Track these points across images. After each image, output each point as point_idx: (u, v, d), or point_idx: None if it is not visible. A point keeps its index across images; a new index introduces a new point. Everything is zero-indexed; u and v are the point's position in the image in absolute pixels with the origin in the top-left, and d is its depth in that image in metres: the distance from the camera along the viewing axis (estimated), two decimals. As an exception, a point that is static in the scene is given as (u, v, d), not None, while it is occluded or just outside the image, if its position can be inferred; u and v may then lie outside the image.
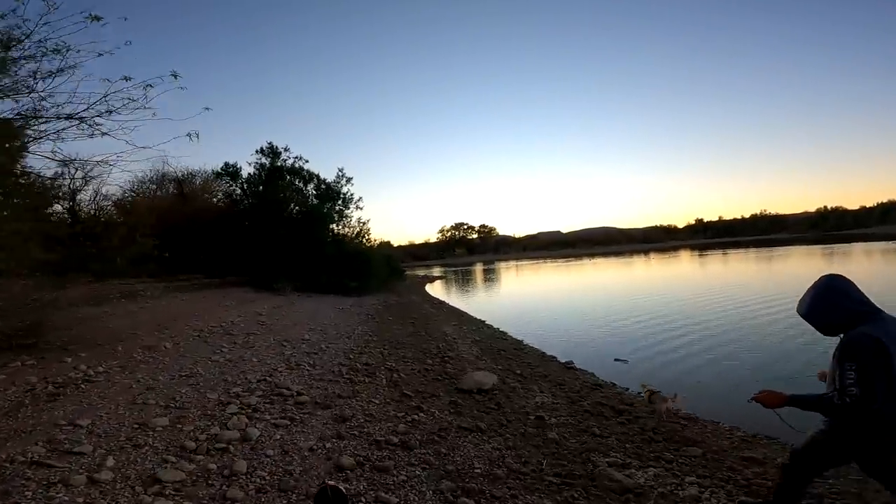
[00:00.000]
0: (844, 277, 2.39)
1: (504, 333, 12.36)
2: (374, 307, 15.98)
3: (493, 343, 10.50)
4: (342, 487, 2.55)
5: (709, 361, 8.38)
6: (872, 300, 2.36)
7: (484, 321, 14.67)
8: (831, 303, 2.33)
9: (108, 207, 22.33)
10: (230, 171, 25.17)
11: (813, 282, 2.47)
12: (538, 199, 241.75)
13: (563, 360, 9.00)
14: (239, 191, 24.37)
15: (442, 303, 20.17)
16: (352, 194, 25.23)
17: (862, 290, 2.39)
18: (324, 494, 2.36)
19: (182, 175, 25.14)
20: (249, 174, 24.44)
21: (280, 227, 19.94)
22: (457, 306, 19.08)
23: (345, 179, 25.40)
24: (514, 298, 23.57)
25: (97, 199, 21.53)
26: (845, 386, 2.17)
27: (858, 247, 42.86)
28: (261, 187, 23.30)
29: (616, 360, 9.19)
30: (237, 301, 13.88)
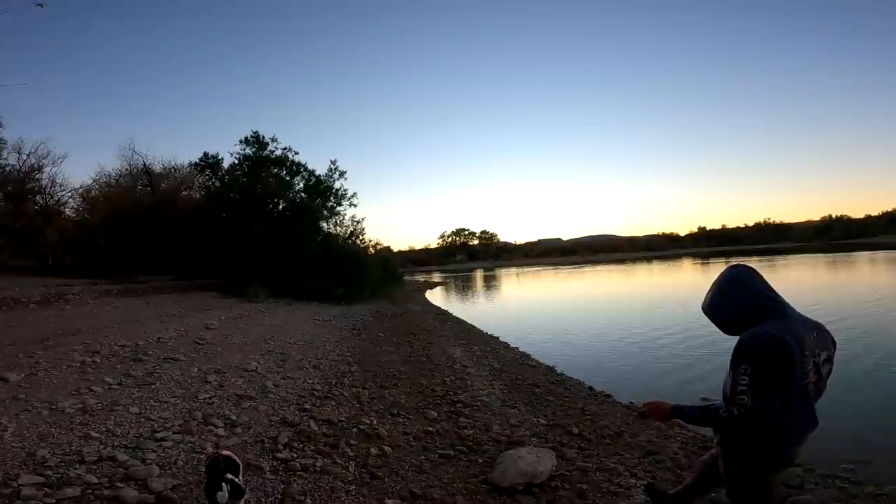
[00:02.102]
0: (750, 268, 1.97)
1: (527, 356, 9.50)
2: (364, 319, 13.08)
3: (519, 373, 7.62)
4: (235, 456, 2.57)
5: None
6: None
7: (497, 338, 11.81)
8: (732, 297, 1.92)
9: (64, 197, 19.64)
10: (210, 163, 22.46)
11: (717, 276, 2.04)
12: (538, 207, 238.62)
13: (626, 402, 6.16)
14: (218, 184, 21.62)
15: (445, 313, 17.24)
16: (345, 189, 22.49)
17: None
18: (215, 464, 2.37)
19: (150, 163, 22.24)
20: (231, 164, 21.75)
21: (257, 223, 17.09)
22: (462, 318, 16.18)
23: (337, 173, 22.68)
24: (523, 309, 20.62)
25: (51, 188, 18.82)
26: (735, 393, 1.75)
27: (873, 256, 40.14)
28: (243, 179, 20.49)
29: (703, 400, 6.40)
30: (189, 309, 11.01)
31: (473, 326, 13.59)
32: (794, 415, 1.80)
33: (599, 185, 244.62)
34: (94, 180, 20.24)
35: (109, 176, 21.03)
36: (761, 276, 1.96)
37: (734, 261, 49.52)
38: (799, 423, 1.85)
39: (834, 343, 1.95)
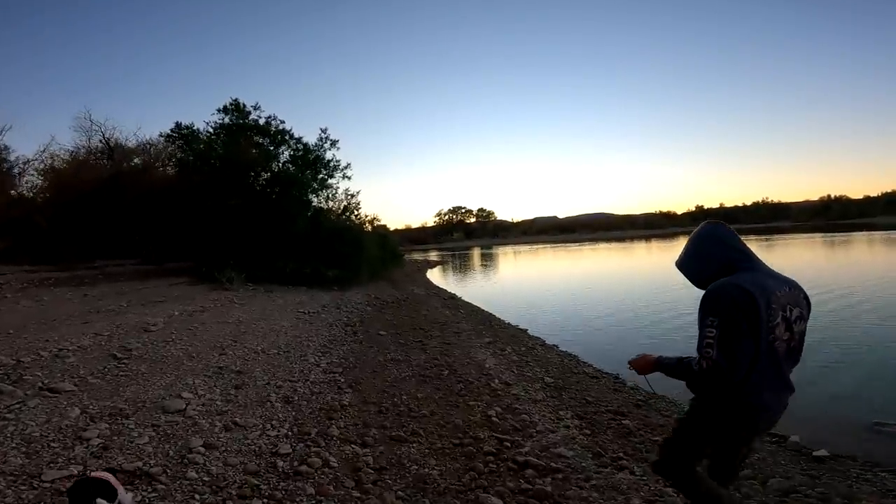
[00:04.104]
0: (722, 224, 1.97)
1: (574, 358, 7.31)
2: (361, 309, 10.74)
3: (582, 389, 5.40)
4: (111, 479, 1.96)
5: None
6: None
7: (525, 330, 9.60)
8: (703, 251, 1.91)
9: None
10: (183, 133, 19.75)
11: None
12: (535, 184, 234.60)
13: (797, 439, 4.00)
14: (192, 156, 18.99)
15: (454, 297, 14.94)
16: (338, 160, 19.94)
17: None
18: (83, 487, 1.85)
19: (111, 135, 19.35)
20: (206, 133, 19.10)
21: (234, 196, 14.55)
22: (474, 302, 13.91)
23: (329, 142, 20.09)
24: (537, 290, 18.23)
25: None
26: (702, 346, 1.67)
27: (871, 236, 38.99)
28: (219, 150, 17.86)
29: (877, 423, 4.40)
30: (136, 302, 8.63)
31: (492, 315, 11.32)
32: (763, 375, 1.68)
33: (596, 164, 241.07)
34: (40, 152, 17.40)
35: (63, 148, 18.20)
36: (733, 232, 1.92)
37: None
38: (769, 383, 1.70)
39: (808, 301, 1.83)
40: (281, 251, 14.47)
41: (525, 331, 9.55)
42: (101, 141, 19.54)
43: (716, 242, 1.88)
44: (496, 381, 5.39)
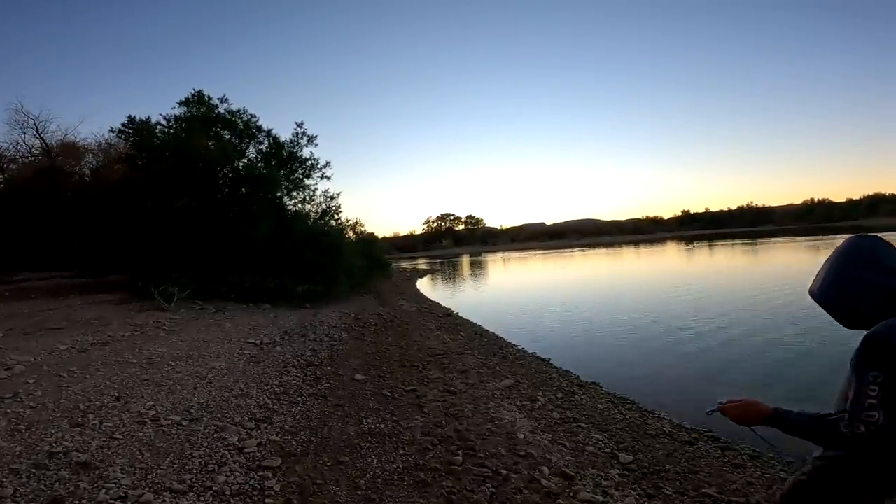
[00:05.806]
0: (877, 238, 1.42)
1: (632, 404, 5.21)
2: (334, 337, 8.40)
3: (687, 472, 3.26)
4: None
5: None
6: None
7: (548, 360, 7.44)
8: (854, 277, 1.36)
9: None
10: (137, 128, 17.32)
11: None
12: (522, 191, 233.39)
13: None
14: (140, 152, 16.57)
15: (450, 315, 12.67)
16: (315, 159, 17.75)
17: None
18: None
19: (45, 126, 16.74)
20: (160, 127, 16.71)
21: (183, 196, 12.19)
22: (473, 320, 11.71)
23: (306, 138, 17.92)
24: (537, 302, 16.01)
25: None
26: (863, 407, 1.26)
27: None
28: (170, 143, 15.51)
29: None
30: (21, 329, 6.25)
31: (500, 338, 9.13)
32: None
33: (582, 169, 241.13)
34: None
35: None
36: (894, 249, 1.39)
37: (719, 243, 47.86)
38: None
39: None
40: (241, 261, 12.13)
41: (548, 361, 7.39)
42: (34, 135, 16.99)
43: (871, 266, 1.34)
44: (545, 469, 3.18)
